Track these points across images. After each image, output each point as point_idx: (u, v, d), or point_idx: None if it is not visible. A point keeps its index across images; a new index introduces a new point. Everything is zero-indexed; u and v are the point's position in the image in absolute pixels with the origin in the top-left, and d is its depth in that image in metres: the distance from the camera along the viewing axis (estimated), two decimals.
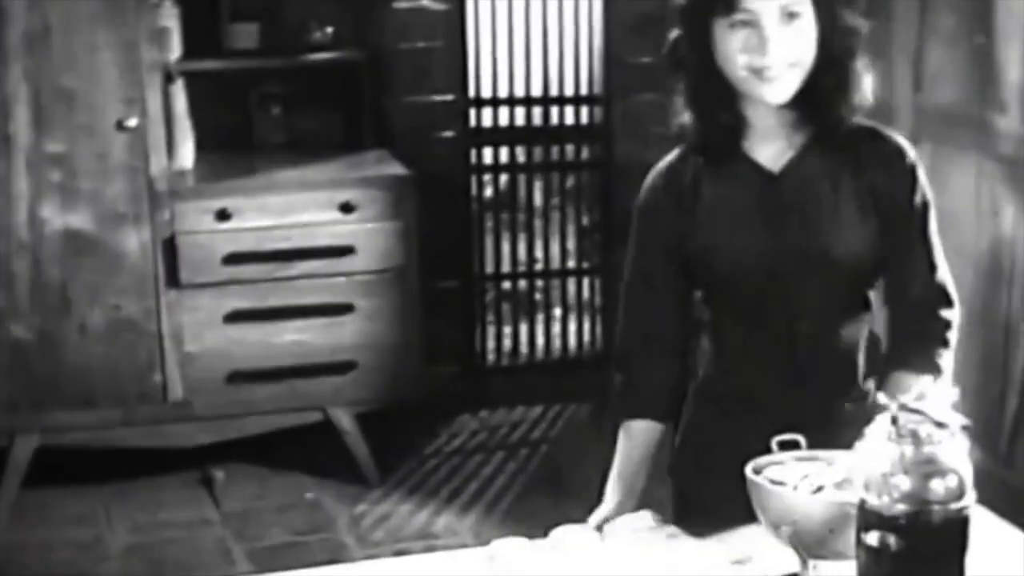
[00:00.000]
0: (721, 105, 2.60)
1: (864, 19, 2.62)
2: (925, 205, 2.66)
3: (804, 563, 2.26)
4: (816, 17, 2.52)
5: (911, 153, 2.65)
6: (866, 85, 2.60)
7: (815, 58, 2.53)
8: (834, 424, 2.52)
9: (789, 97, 2.54)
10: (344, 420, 5.06)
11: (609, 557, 2.30)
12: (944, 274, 2.70)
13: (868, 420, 2.11)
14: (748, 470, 2.30)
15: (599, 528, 2.52)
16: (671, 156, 2.77)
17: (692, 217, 2.67)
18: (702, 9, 2.55)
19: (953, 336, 2.65)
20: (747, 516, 2.30)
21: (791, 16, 2.49)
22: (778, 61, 2.49)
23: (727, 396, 2.73)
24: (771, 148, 2.62)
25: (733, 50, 2.51)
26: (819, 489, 2.26)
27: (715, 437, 2.74)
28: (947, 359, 2.63)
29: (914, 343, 2.63)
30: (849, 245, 2.60)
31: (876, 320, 2.73)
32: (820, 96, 2.55)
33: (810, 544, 2.23)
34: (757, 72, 2.50)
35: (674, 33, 2.67)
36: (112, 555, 4.66)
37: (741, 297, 2.68)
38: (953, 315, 2.67)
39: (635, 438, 2.78)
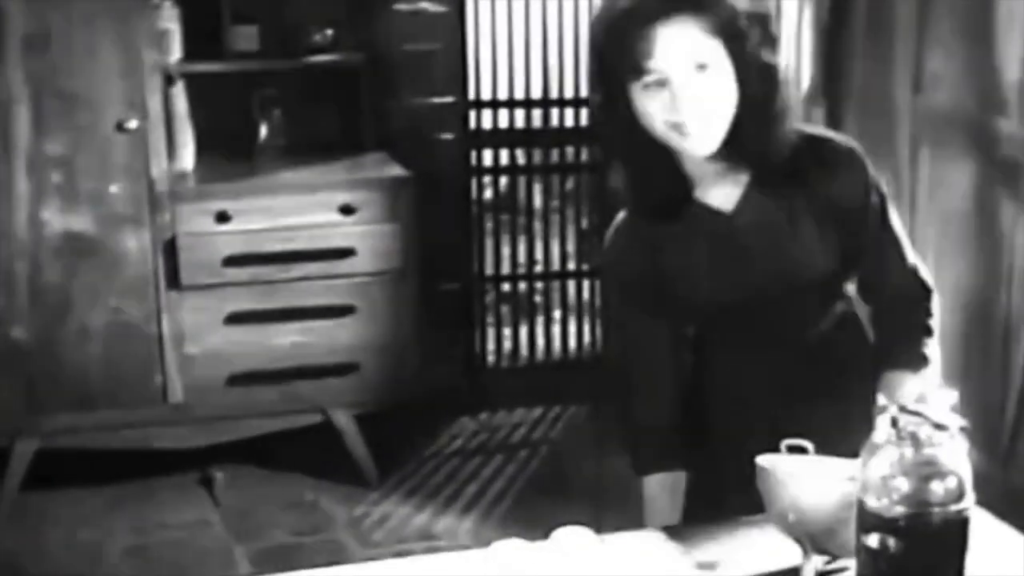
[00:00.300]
0: (657, 163, 2.60)
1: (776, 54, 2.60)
2: (882, 200, 2.67)
3: (807, 554, 2.26)
4: (731, 62, 2.50)
5: (857, 153, 2.66)
6: (794, 114, 2.60)
7: (737, 102, 2.52)
8: (838, 427, 2.53)
9: (716, 146, 2.53)
10: (344, 421, 5.06)
11: (609, 559, 2.30)
12: (915, 263, 2.71)
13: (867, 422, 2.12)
14: (759, 460, 2.30)
15: None
16: (625, 212, 2.78)
17: (660, 269, 2.69)
18: (614, 75, 2.54)
19: (935, 322, 2.67)
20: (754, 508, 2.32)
21: (702, 68, 2.47)
22: (695, 115, 2.48)
23: (721, 409, 2.77)
24: (720, 190, 2.63)
25: (651, 110, 2.51)
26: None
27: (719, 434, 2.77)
28: (933, 347, 2.66)
29: (900, 339, 2.65)
30: (816, 264, 2.63)
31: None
32: (748, 139, 2.54)
33: (817, 534, 2.24)
34: (677, 128, 2.50)
35: (594, 99, 2.66)
36: (112, 557, 4.66)
37: (719, 328, 2.73)
38: (932, 302, 2.70)
39: (665, 487, 2.77)
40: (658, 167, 2.61)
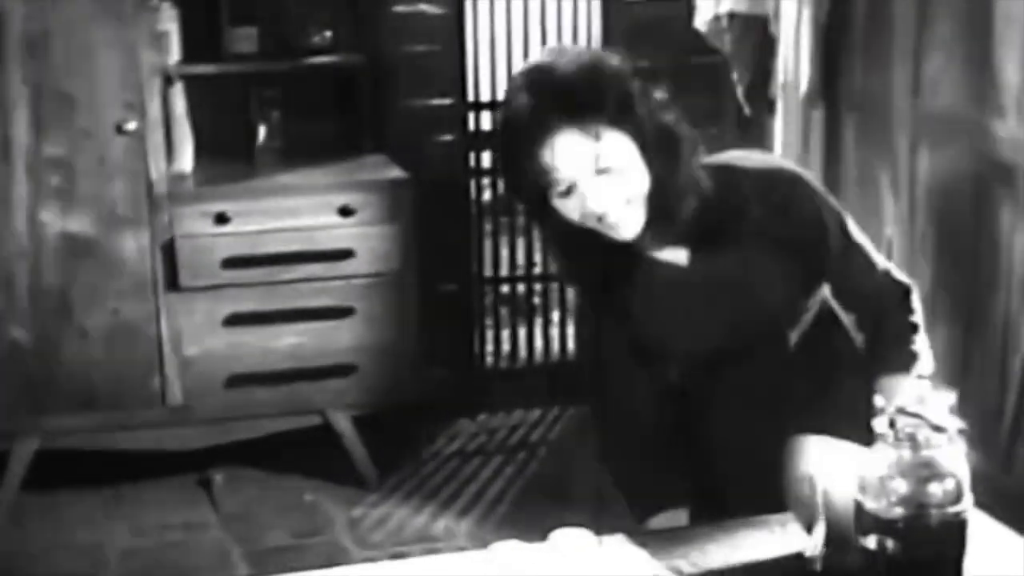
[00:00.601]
0: (592, 245, 2.62)
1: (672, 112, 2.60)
2: (837, 217, 2.69)
3: (817, 520, 2.26)
4: (633, 143, 2.51)
5: (802, 179, 2.68)
6: (699, 164, 2.62)
7: (650, 178, 2.53)
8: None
9: (641, 226, 2.55)
10: (343, 423, 5.06)
11: (607, 561, 2.30)
12: (885, 266, 2.73)
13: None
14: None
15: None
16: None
17: (631, 326, 2.75)
18: (528, 193, 2.58)
19: (919, 316, 2.68)
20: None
21: (604, 170, 2.49)
22: (611, 207, 2.51)
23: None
24: (670, 249, 2.66)
25: (568, 210, 2.53)
26: None
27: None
28: (921, 341, 2.67)
29: (888, 344, 2.66)
30: (780, 294, 2.67)
31: None
32: (670, 206, 2.56)
33: (834, 504, 2.23)
34: (599, 220, 2.52)
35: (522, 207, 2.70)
36: (111, 558, 4.66)
37: (700, 369, 2.78)
38: (912, 298, 2.71)
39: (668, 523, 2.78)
40: (594, 248, 2.63)
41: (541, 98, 2.47)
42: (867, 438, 2.33)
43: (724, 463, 2.79)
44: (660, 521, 2.74)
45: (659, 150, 2.53)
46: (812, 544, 2.24)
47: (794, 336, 2.72)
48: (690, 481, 2.80)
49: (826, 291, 2.77)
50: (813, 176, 2.74)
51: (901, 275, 2.74)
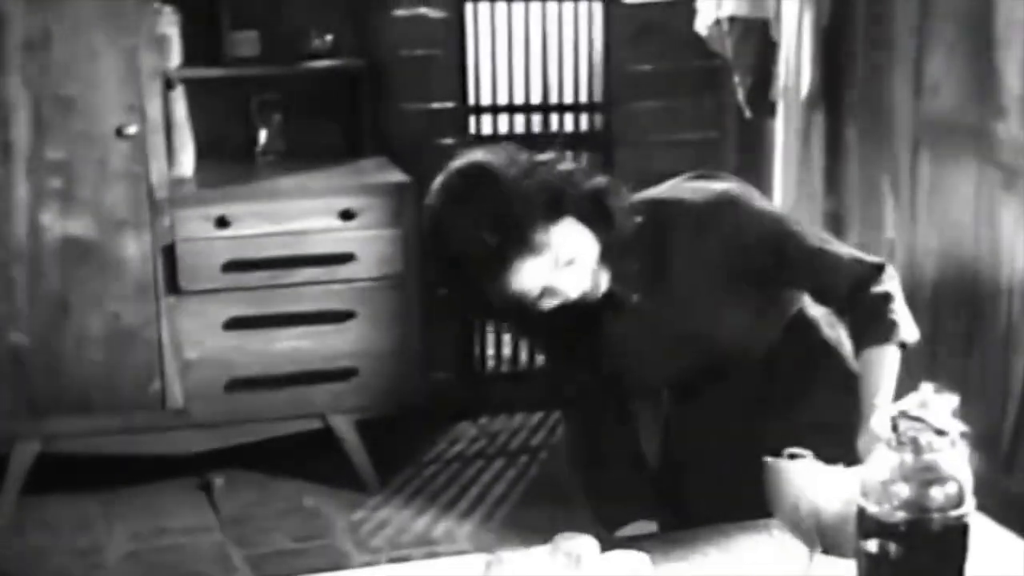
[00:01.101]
0: (566, 320, 2.65)
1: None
2: (779, 228, 2.67)
3: (812, 550, 2.26)
4: (574, 219, 2.52)
5: (727, 199, 2.68)
6: (627, 207, 2.63)
7: (598, 240, 2.57)
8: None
9: (589, 283, 2.58)
10: (343, 427, 5.06)
11: (608, 564, 2.30)
12: (851, 253, 2.70)
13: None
14: (768, 460, 2.32)
15: None
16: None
17: (596, 364, 2.81)
18: (499, 316, 2.72)
19: (893, 286, 2.65)
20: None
21: (551, 292, 2.53)
22: (581, 285, 2.56)
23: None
24: (631, 294, 2.68)
25: (545, 307, 2.57)
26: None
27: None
28: (899, 309, 2.62)
29: (862, 318, 2.65)
30: (741, 319, 2.70)
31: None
32: (622, 258, 2.60)
33: (826, 530, 2.23)
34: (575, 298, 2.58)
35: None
36: (111, 562, 4.66)
37: (673, 391, 2.89)
38: (884, 273, 2.67)
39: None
40: (566, 320, 2.65)
41: (482, 252, 2.45)
42: (847, 447, 2.35)
43: (697, 481, 2.85)
44: (630, 531, 2.76)
45: (594, 216, 2.55)
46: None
47: (763, 349, 2.74)
48: (660, 496, 2.84)
49: (801, 299, 2.78)
50: (749, 190, 2.73)
51: (869, 257, 2.72)
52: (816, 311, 2.82)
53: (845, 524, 2.17)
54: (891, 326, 2.59)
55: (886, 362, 2.55)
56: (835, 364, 2.78)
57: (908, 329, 2.60)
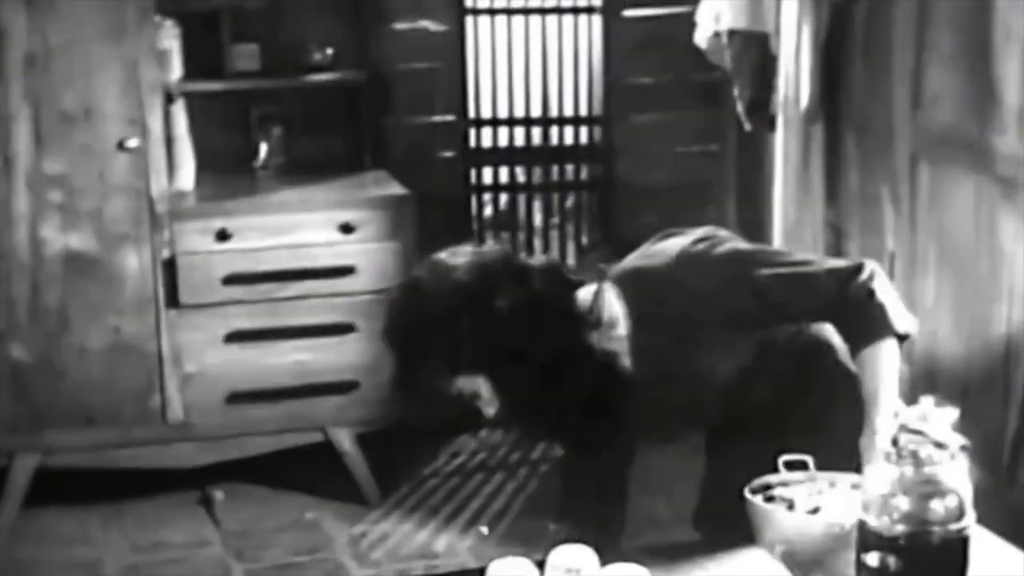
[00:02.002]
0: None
1: None
2: (742, 266, 2.67)
3: None
4: None
5: (683, 259, 2.70)
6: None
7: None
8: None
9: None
10: (344, 440, 5.06)
11: None
12: (823, 267, 2.69)
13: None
14: (747, 490, 2.31)
15: None
16: None
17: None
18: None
19: (875, 282, 2.62)
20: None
21: None
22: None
23: None
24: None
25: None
26: (816, 510, 2.27)
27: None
28: (884, 304, 2.60)
29: (850, 321, 2.63)
30: (723, 360, 2.73)
31: None
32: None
33: (805, 564, 2.24)
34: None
35: None
36: (111, 575, 4.65)
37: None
38: (861, 273, 2.64)
39: None
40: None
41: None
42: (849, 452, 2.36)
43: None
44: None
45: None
46: None
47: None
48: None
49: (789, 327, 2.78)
50: (714, 237, 2.74)
51: (844, 262, 2.71)
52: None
53: (820, 559, 2.19)
54: (878, 322, 2.57)
55: (882, 359, 2.53)
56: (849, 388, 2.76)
57: (900, 320, 2.58)
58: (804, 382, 2.78)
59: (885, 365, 2.52)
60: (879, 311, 2.58)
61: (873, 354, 2.55)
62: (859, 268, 2.64)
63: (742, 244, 2.76)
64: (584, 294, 2.66)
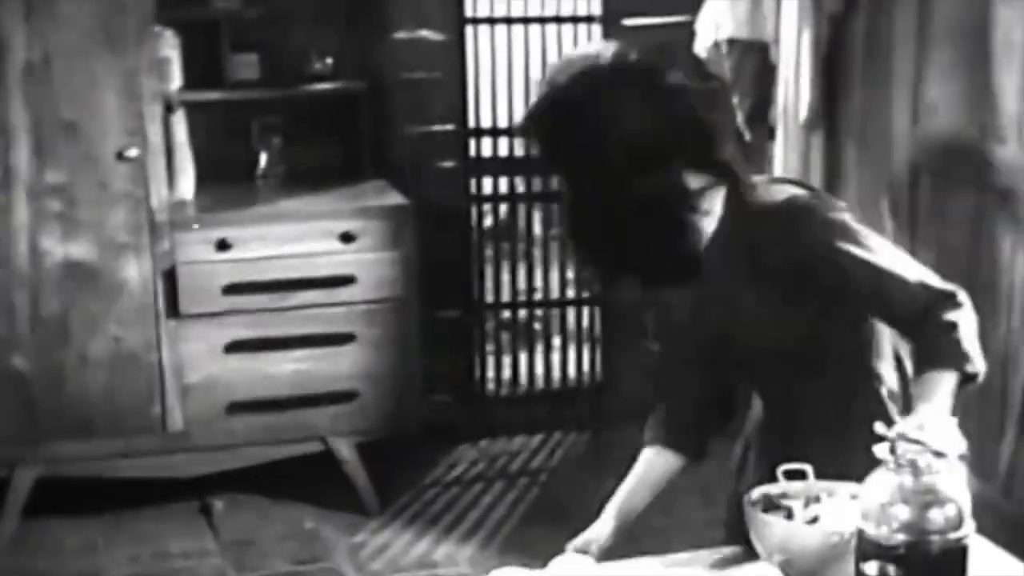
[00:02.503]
0: None
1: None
2: (843, 239, 2.62)
3: None
4: None
5: (801, 208, 2.66)
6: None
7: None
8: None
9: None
10: (344, 450, 5.06)
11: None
12: (918, 277, 2.62)
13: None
14: (746, 499, 2.31)
15: (584, 551, 2.54)
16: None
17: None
18: None
19: (961, 315, 2.55)
20: None
21: None
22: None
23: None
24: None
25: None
26: (815, 520, 2.27)
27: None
28: (963, 338, 2.53)
29: (923, 343, 2.56)
30: (768, 326, 2.66)
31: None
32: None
33: (803, 573, 2.24)
34: None
35: None
36: None
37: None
38: (952, 300, 2.58)
39: (655, 465, 2.80)
40: None
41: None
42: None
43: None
44: (660, 462, 2.80)
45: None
46: None
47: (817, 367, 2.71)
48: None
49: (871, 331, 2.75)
50: (823, 199, 2.71)
51: (940, 283, 2.65)
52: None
53: (817, 570, 2.19)
54: (955, 354, 2.50)
55: (941, 385, 2.45)
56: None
57: (975, 360, 2.50)
58: (840, 401, 2.74)
59: (942, 390, 2.44)
60: (956, 344, 2.53)
61: (937, 377, 2.48)
62: (953, 295, 2.58)
63: (852, 221, 2.70)
64: None
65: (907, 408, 2.59)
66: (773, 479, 2.42)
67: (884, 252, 2.63)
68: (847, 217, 2.67)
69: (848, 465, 2.39)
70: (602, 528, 2.70)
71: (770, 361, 2.71)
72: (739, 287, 2.65)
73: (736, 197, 2.64)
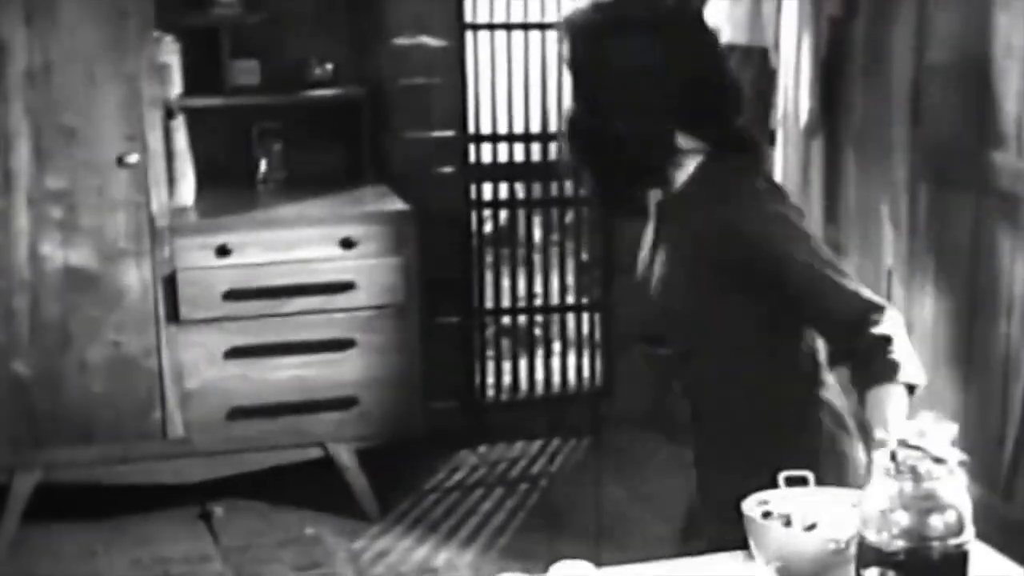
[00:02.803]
0: None
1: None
2: (787, 233, 2.64)
3: None
4: None
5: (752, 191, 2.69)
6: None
7: None
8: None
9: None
10: (344, 456, 5.06)
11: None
12: (854, 286, 2.62)
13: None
14: (745, 504, 2.31)
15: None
16: None
17: None
18: None
19: (894, 328, 2.55)
20: None
21: None
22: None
23: None
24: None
25: None
26: (813, 526, 2.27)
27: None
28: (900, 350, 2.53)
29: (867, 365, 2.55)
30: (699, 306, 2.71)
31: None
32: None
33: None
34: None
35: None
36: None
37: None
38: (883, 314, 2.58)
39: None
40: None
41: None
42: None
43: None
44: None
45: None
46: None
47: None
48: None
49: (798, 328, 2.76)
50: (786, 195, 2.75)
51: (872, 295, 2.66)
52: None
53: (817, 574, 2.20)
54: (893, 365, 2.49)
55: (891, 400, 2.45)
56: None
57: (913, 371, 2.50)
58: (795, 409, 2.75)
59: (892, 406, 2.44)
60: (893, 356, 2.51)
61: (884, 393, 2.48)
62: (882, 308, 2.57)
63: (799, 221, 2.71)
64: None
65: (861, 428, 2.61)
66: (716, 484, 2.44)
67: (824, 257, 2.64)
68: (794, 215, 2.69)
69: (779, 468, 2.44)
70: None
71: (702, 354, 2.75)
72: (679, 252, 2.70)
73: (710, 166, 2.69)
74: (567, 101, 2.75)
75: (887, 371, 2.49)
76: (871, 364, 2.52)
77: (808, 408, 2.74)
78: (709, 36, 2.74)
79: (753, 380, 2.73)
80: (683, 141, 2.67)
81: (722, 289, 2.66)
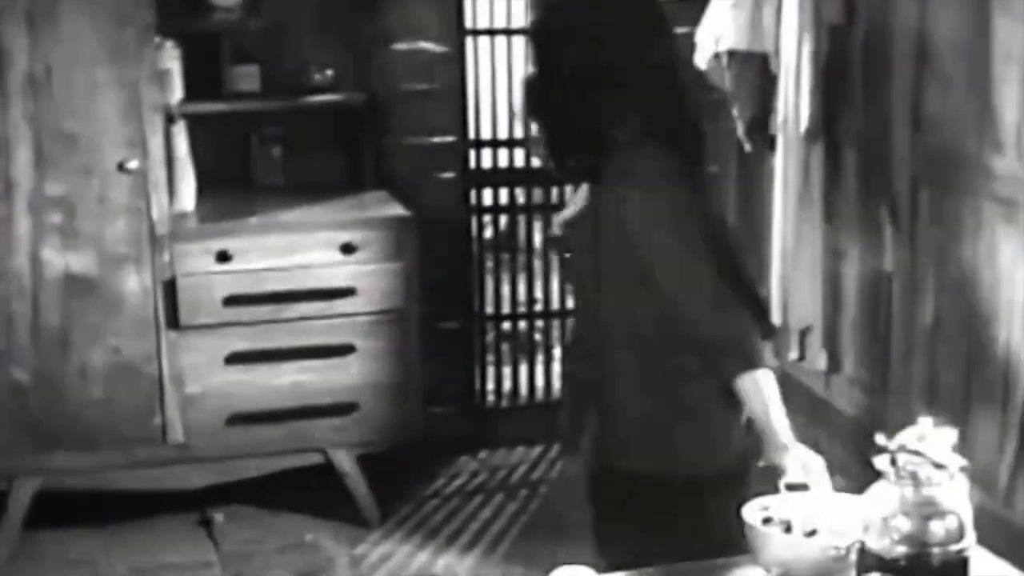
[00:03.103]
0: None
1: None
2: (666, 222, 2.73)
3: None
4: None
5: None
6: None
7: None
8: None
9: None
10: (344, 461, 5.06)
11: None
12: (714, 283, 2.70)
13: None
14: (746, 511, 2.31)
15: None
16: None
17: None
18: None
19: (744, 319, 2.66)
20: None
21: None
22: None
23: None
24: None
25: None
26: (813, 532, 2.27)
27: None
28: (756, 342, 2.63)
29: (729, 352, 2.64)
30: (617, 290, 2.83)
31: None
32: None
33: None
34: None
35: None
36: None
37: None
38: (742, 314, 2.67)
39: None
40: None
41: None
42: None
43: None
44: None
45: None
46: None
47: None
48: None
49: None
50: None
51: (731, 291, 2.70)
52: None
53: None
54: (756, 353, 2.61)
55: (762, 385, 2.58)
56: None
57: (768, 357, 2.63)
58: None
59: (767, 390, 2.57)
60: (751, 343, 2.63)
61: (750, 381, 2.57)
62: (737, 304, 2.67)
63: (703, 232, 2.76)
64: None
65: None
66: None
67: (697, 253, 2.68)
68: (699, 229, 2.74)
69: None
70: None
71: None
72: (602, 226, 2.79)
73: (644, 152, 2.76)
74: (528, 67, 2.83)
75: (752, 357, 2.61)
76: (731, 351, 2.63)
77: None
78: (664, 22, 2.83)
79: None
80: (629, 119, 2.73)
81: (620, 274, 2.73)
